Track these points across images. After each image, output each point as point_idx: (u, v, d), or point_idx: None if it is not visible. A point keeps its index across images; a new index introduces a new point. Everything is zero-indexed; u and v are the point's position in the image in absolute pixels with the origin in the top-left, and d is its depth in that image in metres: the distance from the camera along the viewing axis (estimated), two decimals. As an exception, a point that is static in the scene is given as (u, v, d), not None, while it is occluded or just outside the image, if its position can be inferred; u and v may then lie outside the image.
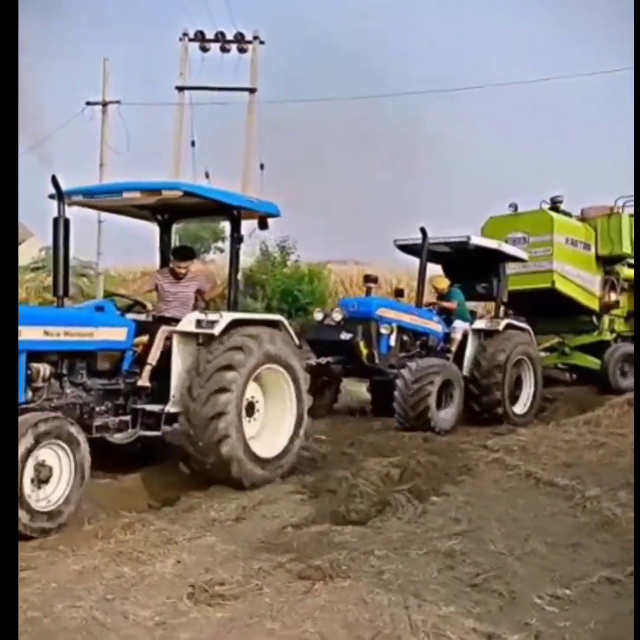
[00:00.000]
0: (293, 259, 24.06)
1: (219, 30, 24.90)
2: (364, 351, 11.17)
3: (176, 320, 7.71)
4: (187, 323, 7.49)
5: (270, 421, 7.87)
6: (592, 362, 15.07)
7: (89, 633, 4.15)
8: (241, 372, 7.26)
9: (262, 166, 25.82)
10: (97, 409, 7.11)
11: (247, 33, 24.90)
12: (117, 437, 7.58)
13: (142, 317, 8.05)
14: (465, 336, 12.25)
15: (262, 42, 24.68)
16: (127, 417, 7.30)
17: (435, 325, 12.15)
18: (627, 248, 15.11)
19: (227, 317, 7.48)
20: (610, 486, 7.16)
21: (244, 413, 7.40)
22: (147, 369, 7.43)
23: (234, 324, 7.50)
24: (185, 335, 7.51)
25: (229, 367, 7.21)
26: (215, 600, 4.58)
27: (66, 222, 6.95)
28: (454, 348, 12.15)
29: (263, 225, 8.19)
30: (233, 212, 7.96)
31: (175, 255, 8.45)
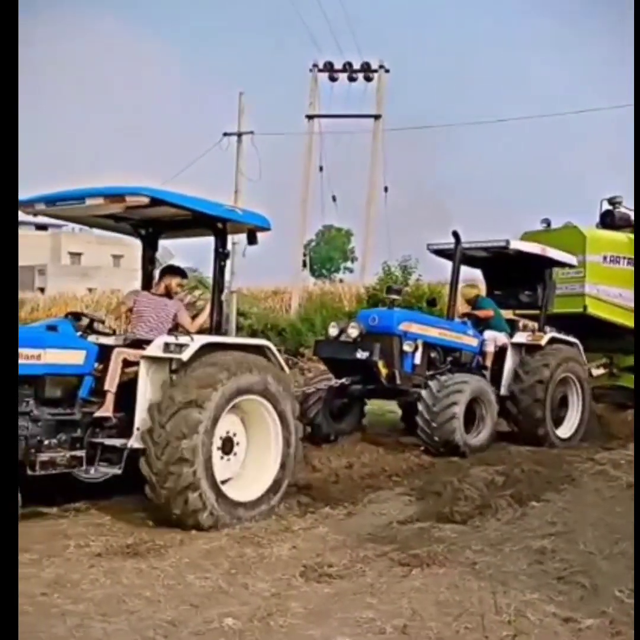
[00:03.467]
0: (414, 278, 24.42)
1: (347, 60, 26.06)
2: (383, 371, 10.01)
3: (148, 342, 6.89)
4: (155, 347, 6.67)
5: (253, 457, 7.01)
6: None
7: (215, 599, 4.87)
8: (208, 408, 6.36)
9: (386, 189, 26.72)
10: (47, 442, 6.32)
11: (373, 62, 25.92)
12: (84, 475, 6.85)
13: (113, 340, 7.30)
14: (503, 350, 11.23)
15: (387, 71, 25.60)
16: (81, 452, 6.49)
17: (469, 339, 11.03)
18: None
19: (199, 340, 6.66)
20: None
21: (216, 453, 6.58)
22: (109, 398, 6.64)
23: (210, 349, 6.69)
24: (154, 360, 6.66)
25: (193, 403, 6.32)
26: (323, 579, 5.22)
27: None
28: (488, 363, 11.10)
29: (252, 239, 7.40)
30: (217, 225, 7.19)
31: (169, 272, 7.72)
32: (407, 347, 10.16)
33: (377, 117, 26.22)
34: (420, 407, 9.78)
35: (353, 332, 10.21)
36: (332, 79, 26.77)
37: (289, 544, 5.98)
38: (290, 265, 29.86)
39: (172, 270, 7.78)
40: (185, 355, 6.48)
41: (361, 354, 9.97)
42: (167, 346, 6.59)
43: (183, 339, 6.60)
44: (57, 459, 6.30)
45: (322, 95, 27.03)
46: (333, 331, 10.68)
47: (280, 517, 6.73)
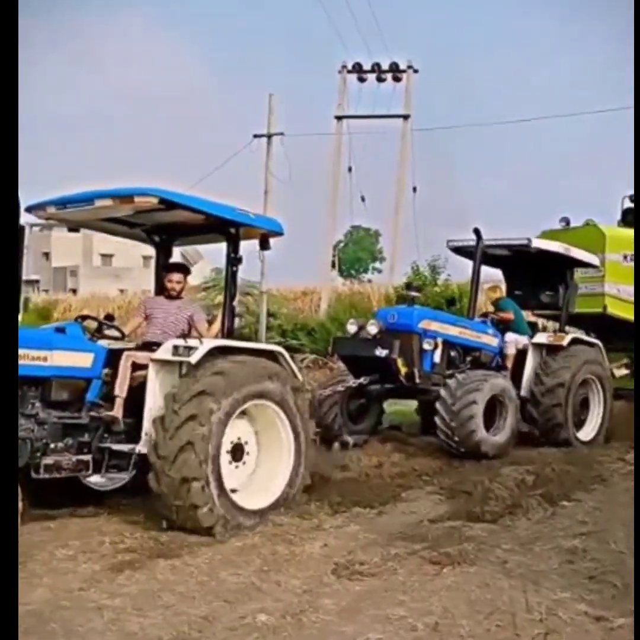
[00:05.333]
0: (443, 277, 24.35)
1: (375, 61, 26.17)
2: (403, 369, 9.78)
3: (160, 345, 6.76)
4: (164, 350, 6.58)
5: (265, 463, 6.92)
6: None
7: (248, 595, 4.93)
8: (221, 401, 6.28)
9: (414, 189, 26.76)
10: (53, 445, 6.21)
11: (401, 62, 26.01)
12: (93, 481, 6.78)
13: (123, 344, 7.13)
14: (523, 352, 11.04)
15: (415, 71, 25.66)
16: (87, 457, 6.38)
17: (489, 339, 10.82)
18: None
19: (208, 343, 6.58)
20: None
21: (225, 461, 6.46)
22: (118, 402, 6.52)
23: (220, 353, 6.60)
24: (163, 364, 6.57)
25: (207, 392, 6.24)
26: (355, 576, 5.26)
27: (21, 230, 5.27)
28: (509, 364, 10.92)
29: (265, 244, 7.33)
30: (229, 229, 7.08)
31: (169, 269, 7.60)
32: (426, 346, 9.96)
33: (405, 117, 26.34)
34: (439, 406, 9.56)
35: (372, 329, 9.98)
36: (361, 79, 26.95)
37: (320, 542, 6.03)
38: (319, 266, 29.97)
39: (170, 268, 7.65)
40: (193, 359, 6.39)
41: (380, 352, 9.74)
42: (176, 349, 6.49)
43: (192, 342, 6.51)
44: (62, 463, 6.21)
45: (350, 96, 27.26)
46: (352, 328, 10.45)
47: (312, 515, 6.78)
